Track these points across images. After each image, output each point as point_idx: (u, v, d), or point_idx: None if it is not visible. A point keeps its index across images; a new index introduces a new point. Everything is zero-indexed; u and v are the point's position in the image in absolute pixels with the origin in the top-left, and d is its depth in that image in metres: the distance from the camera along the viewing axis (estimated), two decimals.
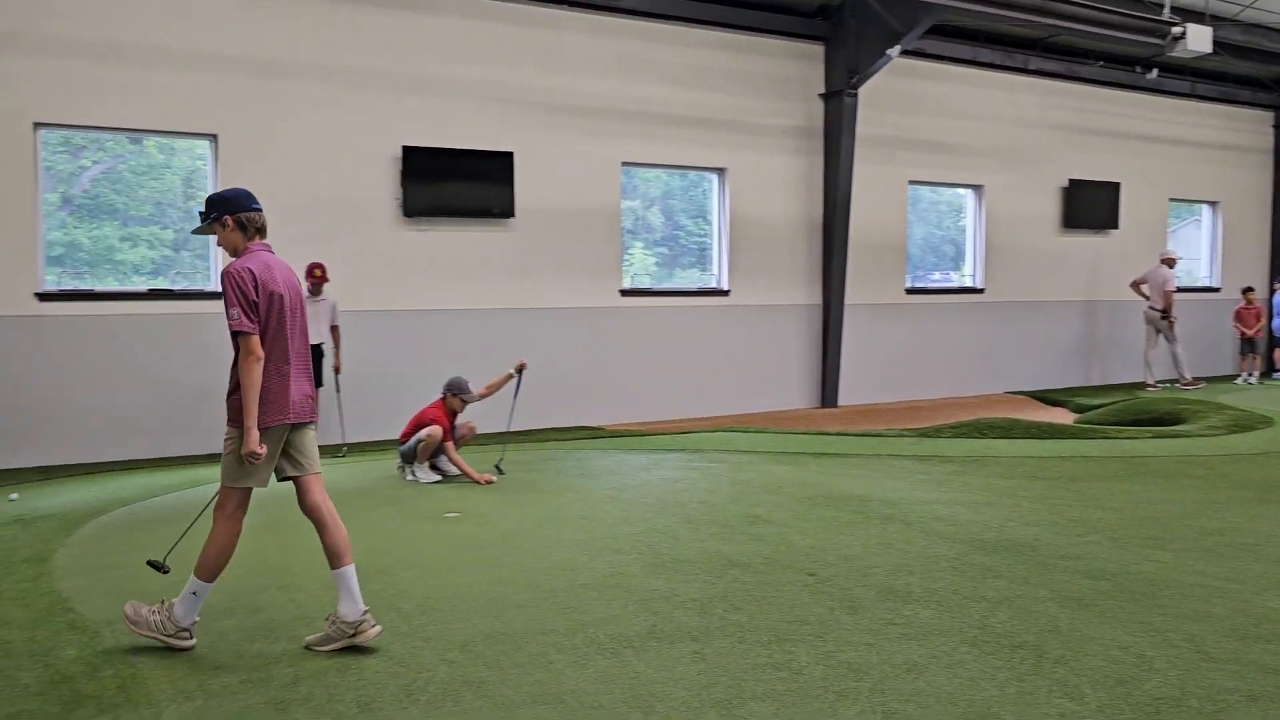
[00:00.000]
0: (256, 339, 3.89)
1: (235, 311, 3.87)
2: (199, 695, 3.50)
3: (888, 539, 5.58)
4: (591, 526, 5.94)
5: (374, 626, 3.97)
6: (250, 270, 3.93)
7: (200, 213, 4.16)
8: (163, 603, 4.00)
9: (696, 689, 3.54)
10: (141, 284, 9.28)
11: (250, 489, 4.05)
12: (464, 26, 10.22)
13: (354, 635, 3.91)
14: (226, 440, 4.00)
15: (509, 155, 10.34)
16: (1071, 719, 3.29)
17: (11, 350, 8.41)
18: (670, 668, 3.73)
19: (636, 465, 8.13)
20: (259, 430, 3.88)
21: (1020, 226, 14.28)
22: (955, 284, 14.18)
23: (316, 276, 8.95)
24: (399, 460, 7.76)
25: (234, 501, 4.05)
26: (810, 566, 5.04)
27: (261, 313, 3.93)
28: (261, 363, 3.89)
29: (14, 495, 7.17)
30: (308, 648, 3.93)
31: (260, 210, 4.11)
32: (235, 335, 3.90)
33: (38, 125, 8.58)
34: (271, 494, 7.16)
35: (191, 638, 3.97)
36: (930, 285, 13.93)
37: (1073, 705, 3.39)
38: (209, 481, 7.59)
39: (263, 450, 3.89)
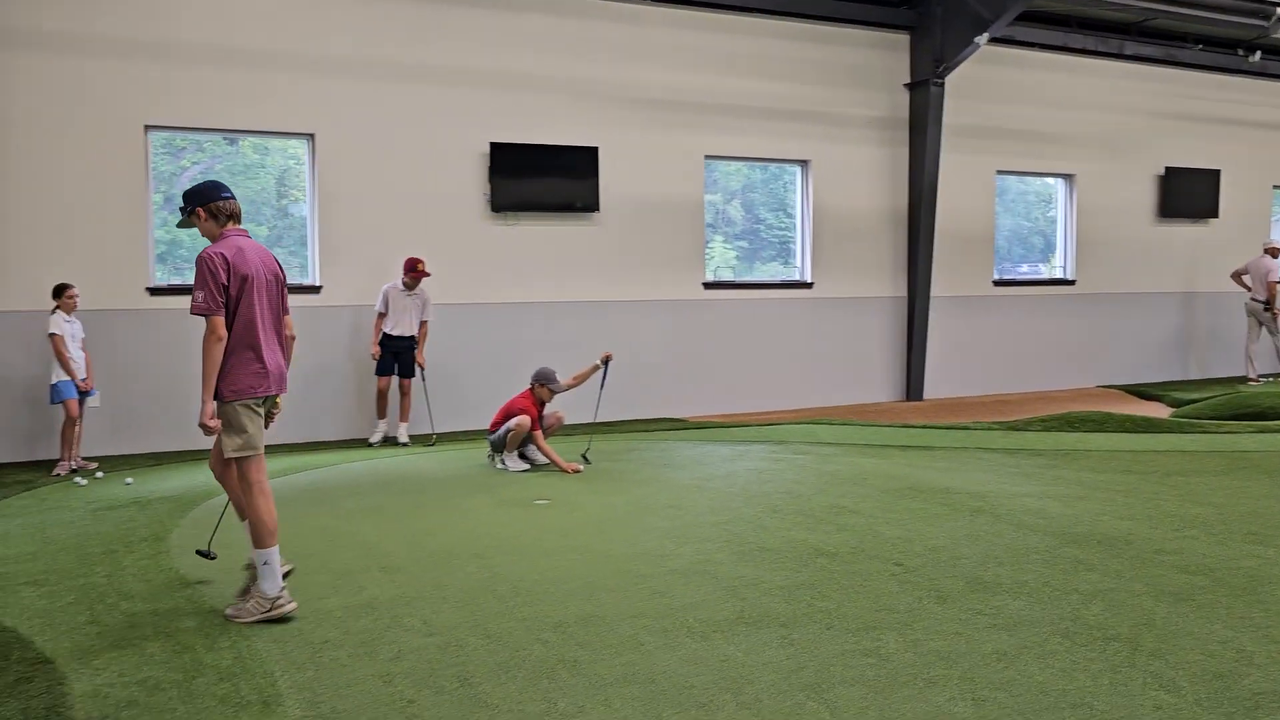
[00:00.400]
0: (219, 320, 4.15)
1: (201, 295, 4.13)
2: (310, 667, 3.69)
3: (976, 531, 5.55)
4: (679, 515, 6.03)
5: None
6: (222, 254, 4.19)
7: (179, 208, 4.45)
8: (247, 589, 4.29)
9: (785, 672, 3.60)
10: None
11: (257, 454, 4.28)
12: (549, 23, 10.39)
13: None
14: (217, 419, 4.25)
15: (594, 150, 10.48)
16: (1168, 711, 3.26)
17: (125, 342, 8.85)
18: (759, 652, 3.79)
19: (722, 456, 8.19)
20: (245, 402, 4.21)
21: (1114, 216, 13.91)
22: (1045, 276, 13.88)
23: (419, 271, 9.17)
24: (489, 449, 7.95)
25: (250, 471, 4.27)
26: (897, 556, 5.05)
27: (233, 294, 4.19)
28: (223, 343, 4.16)
29: (129, 479, 7.56)
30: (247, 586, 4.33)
31: (230, 198, 4.37)
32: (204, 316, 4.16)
33: (148, 128, 9.00)
34: (372, 482, 7.42)
35: (290, 600, 4.21)
36: (1019, 277, 13.66)
37: (1169, 698, 3.35)
38: (310, 468, 7.90)
39: (216, 423, 4.19)
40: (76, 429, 8.11)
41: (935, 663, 3.67)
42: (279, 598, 4.19)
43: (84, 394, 8.12)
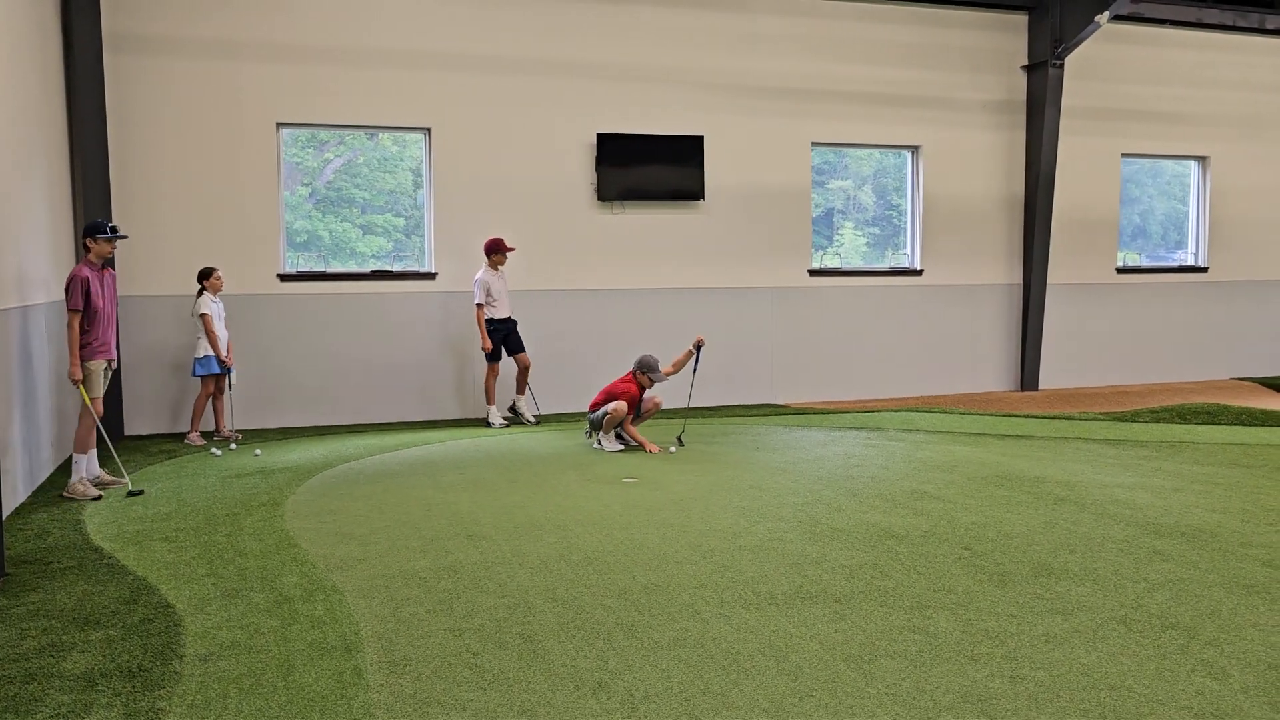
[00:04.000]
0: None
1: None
2: (391, 620, 4.04)
3: (1055, 519, 5.52)
4: (759, 495, 6.19)
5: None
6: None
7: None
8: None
9: (831, 644, 3.74)
10: (372, 267, 10.21)
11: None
12: (654, 14, 10.59)
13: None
14: None
15: (699, 139, 10.65)
16: (1210, 697, 3.26)
17: (258, 324, 9.54)
18: (810, 624, 3.94)
19: (814, 441, 8.28)
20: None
21: (1252, 200, 13.22)
22: (1174, 263, 13.31)
23: (507, 247, 9.58)
24: (588, 427, 8.26)
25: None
26: (968, 541, 5.09)
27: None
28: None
29: (258, 451, 8.19)
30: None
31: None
32: None
33: (280, 125, 9.65)
34: (475, 458, 7.81)
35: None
36: (1145, 264, 13.15)
37: (1214, 684, 3.35)
38: (422, 444, 8.37)
39: (79, 375, 6.55)
40: (220, 402, 8.84)
41: (982, 641, 3.75)
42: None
43: (226, 369, 8.78)
